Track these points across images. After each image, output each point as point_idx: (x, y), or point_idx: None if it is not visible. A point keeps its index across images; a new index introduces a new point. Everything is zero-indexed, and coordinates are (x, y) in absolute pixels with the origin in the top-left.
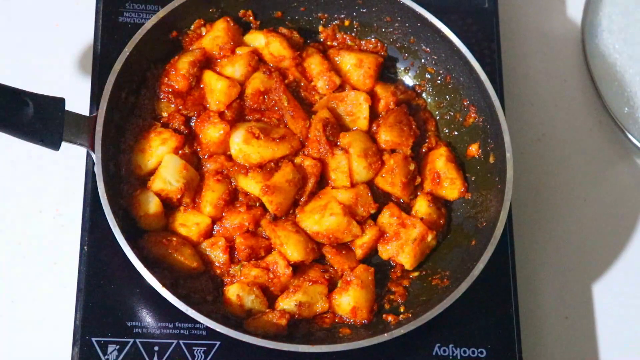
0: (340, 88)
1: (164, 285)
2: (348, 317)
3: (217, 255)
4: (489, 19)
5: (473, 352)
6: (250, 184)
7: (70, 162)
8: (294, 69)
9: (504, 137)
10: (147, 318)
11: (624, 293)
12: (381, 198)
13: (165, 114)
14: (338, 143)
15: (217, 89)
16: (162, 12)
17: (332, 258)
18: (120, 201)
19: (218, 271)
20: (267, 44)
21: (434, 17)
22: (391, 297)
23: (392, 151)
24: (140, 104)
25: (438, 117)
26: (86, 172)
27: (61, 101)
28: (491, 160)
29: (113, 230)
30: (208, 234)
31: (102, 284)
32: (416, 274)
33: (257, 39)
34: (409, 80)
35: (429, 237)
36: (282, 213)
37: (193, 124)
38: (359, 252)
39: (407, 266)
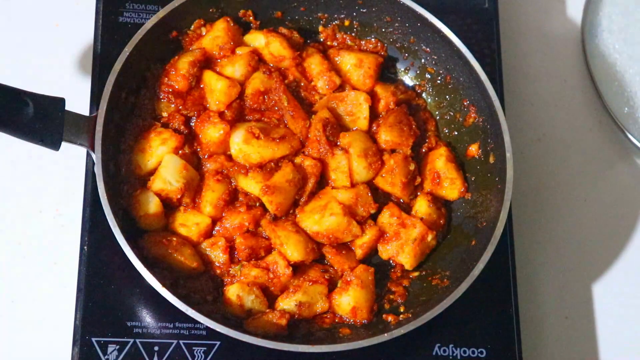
0: (340, 88)
1: (164, 285)
2: (348, 317)
3: (217, 255)
4: (489, 19)
5: (473, 352)
6: (250, 184)
7: (70, 162)
8: (294, 69)
9: (504, 137)
10: (147, 318)
11: (624, 293)
12: (381, 198)
13: (165, 114)
14: (338, 143)
15: (217, 89)
16: (162, 12)
17: (332, 258)
18: (120, 201)
19: (218, 271)
20: (267, 44)
21: (434, 17)
22: (391, 297)
23: (392, 151)
24: (140, 104)
25: (438, 117)
26: (86, 172)
27: (61, 101)
28: (491, 160)
29: (113, 230)
30: (208, 234)
31: (102, 284)
32: (416, 274)
33: (257, 39)
34: (409, 80)
35: (429, 237)
36: (282, 213)
37: (193, 124)
38: (359, 252)
39: (407, 266)
